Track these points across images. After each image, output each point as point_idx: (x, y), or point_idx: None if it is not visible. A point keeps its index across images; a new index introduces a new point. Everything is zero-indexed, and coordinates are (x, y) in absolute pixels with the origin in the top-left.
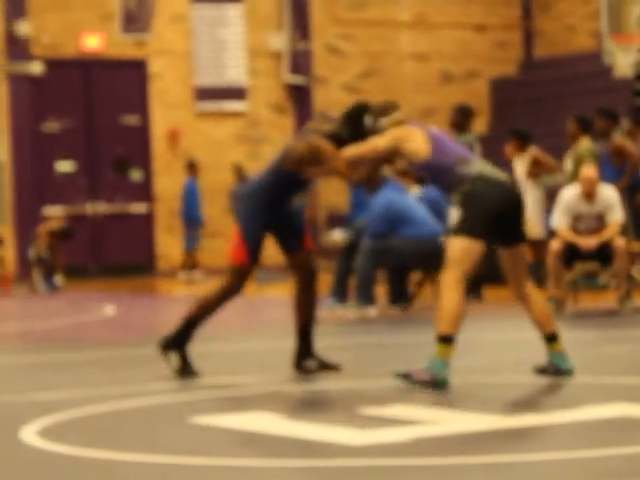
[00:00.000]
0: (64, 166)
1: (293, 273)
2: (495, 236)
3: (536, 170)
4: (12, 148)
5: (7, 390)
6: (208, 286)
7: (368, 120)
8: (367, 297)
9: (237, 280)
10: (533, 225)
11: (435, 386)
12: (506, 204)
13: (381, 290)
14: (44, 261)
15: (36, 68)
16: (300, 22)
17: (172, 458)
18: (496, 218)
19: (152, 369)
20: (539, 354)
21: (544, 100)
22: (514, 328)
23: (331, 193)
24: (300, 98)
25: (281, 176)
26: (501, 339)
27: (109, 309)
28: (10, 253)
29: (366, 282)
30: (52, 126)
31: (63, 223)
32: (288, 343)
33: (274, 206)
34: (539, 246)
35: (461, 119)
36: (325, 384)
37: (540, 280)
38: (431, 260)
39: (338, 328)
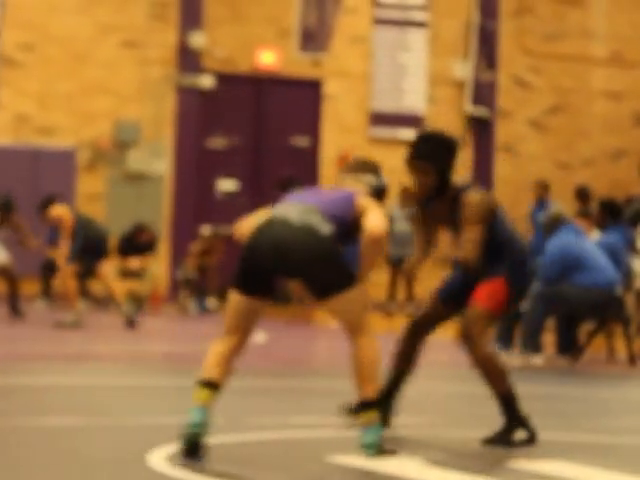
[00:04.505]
0: (226, 185)
1: None
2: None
3: None
4: (175, 162)
5: (143, 412)
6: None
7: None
8: (534, 344)
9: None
10: None
11: None
12: None
13: (549, 338)
14: (191, 282)
15: (207, 82)
16: (487, 51)
17: None
18: None
19: (294, 401)
20: None
21: None
22: None
23: None
24: (481, 131)
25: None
26: None
27: (260, 336)
28: (164, 271)
29: (534, 329)
30: (218, 142)
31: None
32: (444, 386)
33: None
34: None
35: None
36: (482, 433)
37: None
38: (605, 310)
39: None
